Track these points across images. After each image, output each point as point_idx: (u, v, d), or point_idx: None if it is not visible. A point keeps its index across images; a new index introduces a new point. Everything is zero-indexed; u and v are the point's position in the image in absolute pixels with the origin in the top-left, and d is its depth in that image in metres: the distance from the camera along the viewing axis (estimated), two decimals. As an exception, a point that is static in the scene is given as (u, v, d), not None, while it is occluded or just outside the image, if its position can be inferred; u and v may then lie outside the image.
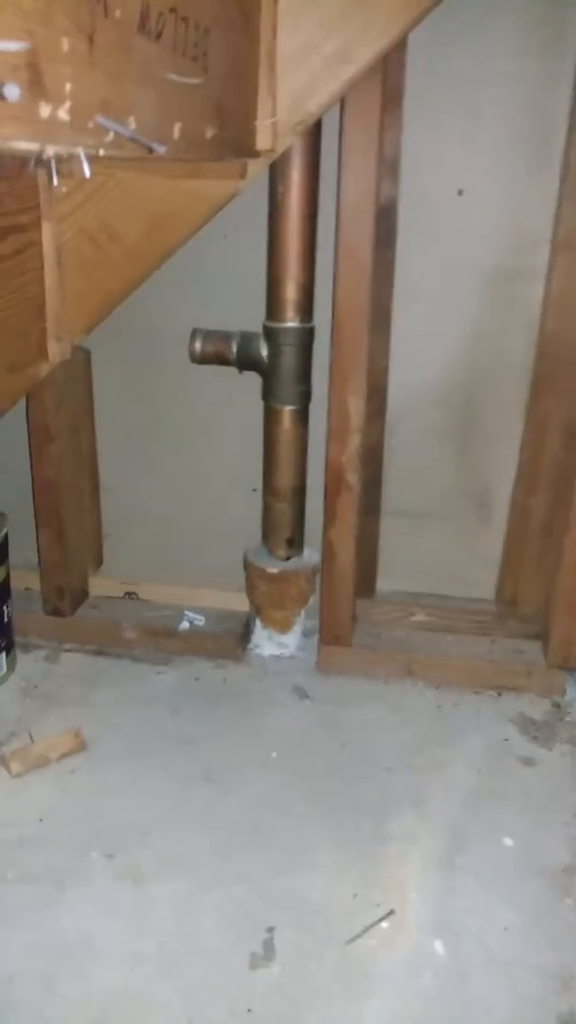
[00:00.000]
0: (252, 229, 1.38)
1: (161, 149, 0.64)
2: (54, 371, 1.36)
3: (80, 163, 0.60)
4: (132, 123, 0.65)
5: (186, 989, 0.97)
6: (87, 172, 0.61)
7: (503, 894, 1.11)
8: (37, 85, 0.48)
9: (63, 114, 0.52)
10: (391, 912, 1.08)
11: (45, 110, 0.50)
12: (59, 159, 0.87)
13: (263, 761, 1.34)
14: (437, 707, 1.48)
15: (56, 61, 0.51)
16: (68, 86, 0.52)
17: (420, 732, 1.41)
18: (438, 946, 1.04)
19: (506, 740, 1.40)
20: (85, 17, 0.55)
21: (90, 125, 0.57)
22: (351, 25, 1.12)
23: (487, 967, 1.01)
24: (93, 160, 0.60)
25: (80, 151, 0.59)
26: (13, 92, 0.43)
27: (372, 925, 1.06)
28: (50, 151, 0.53)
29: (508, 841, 1.20)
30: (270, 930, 1.05)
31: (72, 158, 0.61)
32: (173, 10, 0.71)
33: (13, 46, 0.44)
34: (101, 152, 0.60)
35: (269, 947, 1.02)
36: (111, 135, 0.60)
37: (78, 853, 1.15)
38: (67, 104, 0.52)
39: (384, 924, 1.07)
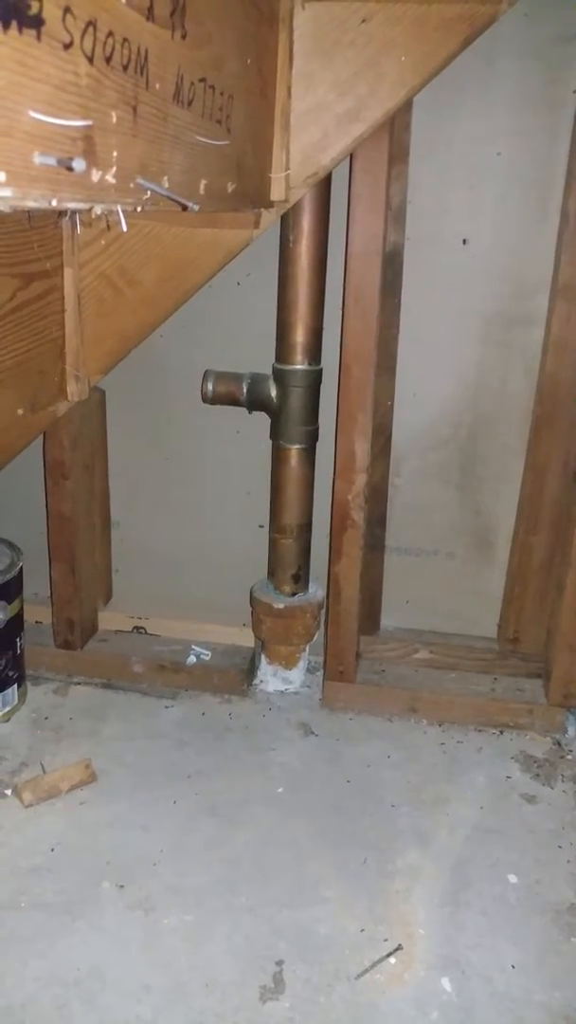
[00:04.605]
0: (263, 275, 1.43)
1: (195, 207, 0.69)
2: (71, 410, 1.40)
3: (117, 217, 0.65)
4: (165, 182, 0.69)
5: (197, 1021, 0.98)
6: (124, 227, 0.66)
7: (508, 931, 1.12)
8: (91, 154, 0.52)
9: (110, 178, 0.56)
10: (399, 947, 1.09)
11: (96, 175, 0.54)
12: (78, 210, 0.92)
13: (269, 796, 1.35)
14: (440, 744, 1.50)
15: (106, 132, 0.55)
16: (115, 153, 0.57)
17: (424, 769, 1.43)
18: (445, 983, 1.05)
19: (508, 777, 1.42)
20: (130, 90, 0.59)
21: (131, 186, 0.61)
22: (362, 87, 1.18)
23: (493, 1005, 1.02)
24: (112, 214, 0.65)
25: (118, 208, 0.64)
26: (80, 165, 0.48)
27: (380, 960, 1.07)
28: (98, 209, 0.57)
29: (512, 878, 1.21)
30: (279, 963, 1.06)
31: (109, 213, 0.65)
32: (203, 80, 0.77)
33: (78, 123, 0.48)
34: (139, 209, 0.65)
35: (279, 980, 1.03)
36: (148, 194, 0.64)
37: (89, 883, 1.16)
38: (113, 169, 0.57)
39: (392, 959, 1.07)
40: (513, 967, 1.07)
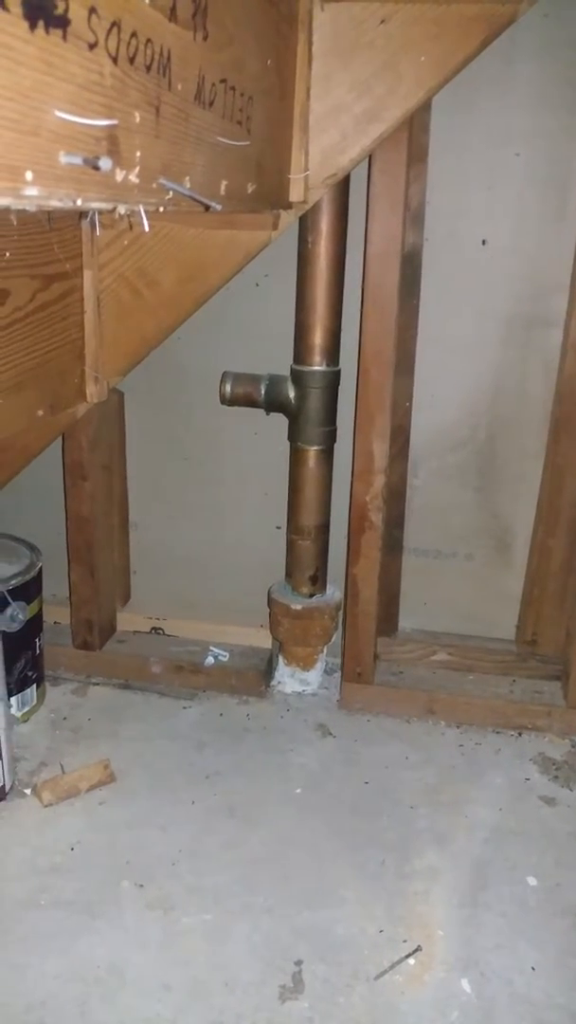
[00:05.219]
0: (281, 276, 1.44)
1: (218, 207, 0.69)
2: (89, 411, 1.41)
3: (140, 217, 0.66)
4: (187, 183, 0.70)
5: (217, 1020, 0.98)
6: (146, 227, 0.66)
7: (528, 934, 1.12)
8: (115, 154, 0.53)
9: (133, 177, 0.57)
10: (418, 948, 1.09)
11: (120, 175, 0.54)
12: (101, 211, 0.92)
13: (287, 797, 1.35)
14: (459, 746, 1.49)
15: (130, 131, 0.56)
16: (138, 153, 0.57)
17: (442, 770, 1.43)
18: (465, 984, 1.04)
19: (527, 779, 1.41)
20: (153, 91, 0.60)
21: (154, 186, 0.61)
22: (380, 87, 1.18)
23: (514, 1007, 1.02)
24: (135, 214, 0.65)
25: (141, 208, 0.64)
26: (107, 164, 0.48)
27: (399, 961, 1.07)
28: (121, 209, 0.58)
29: (532, 880, 1.20)
30: (298, 963, 1.06)
31: (132, 213, 0.66)
32: (223, 80, 0.77)
33: (103, 122, 0.49)
34: (161, 209, 0.65)
35: (298, 980, 1.03)
36: (170, 194, 0.65)
37: (109, 882, 1.16)
38: (137, 169, 0.57)
39: (411, 960, 1.07)
40: (533, 969, 1.06)
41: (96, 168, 0.48)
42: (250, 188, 0.95)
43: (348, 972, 1.05)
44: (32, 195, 0.46)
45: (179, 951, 1.07)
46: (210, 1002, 1.00)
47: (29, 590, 1.44)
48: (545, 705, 1.53)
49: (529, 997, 1.03)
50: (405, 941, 1.10)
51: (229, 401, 1.47)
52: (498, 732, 1.53)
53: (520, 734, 1.52)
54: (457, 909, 1.15)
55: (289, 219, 1.26)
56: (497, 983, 1.04)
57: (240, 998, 1.01)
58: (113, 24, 0.52)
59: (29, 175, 0.45)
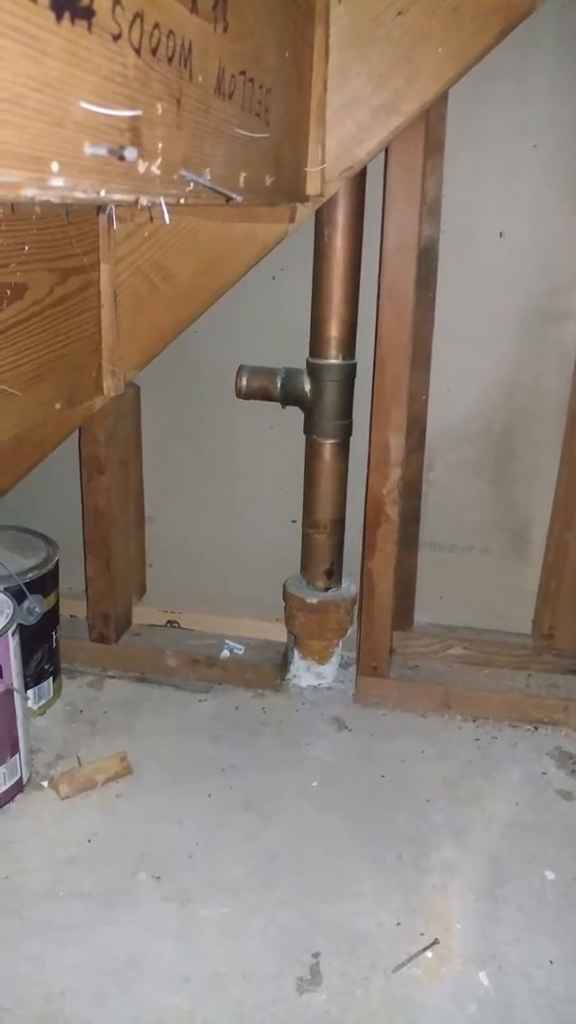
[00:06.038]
0: (298, 270, 1.43)
1: (239, 199, 0.69)
2: (106, 405, 1.41)
3: (161, 209, 0.66)
4: (207, 175, 0.70)
5: (235, 1011, 0.99)
6: (167, 219, 0.66)
7: (546, 927, 1.11)
8: (138, 145, 0.53)
9: (155, 169, 0.57)
10: (435, 942, 1.09)
11: (143, 167, 0.54)
12: (118, 204, 0.92)
13: (303, 790, 1.35)
14: (475, 740, 1.49)
15: (152, 123, 0.56)
16: (160, 144, 0.57)
17: (458, 764, 1.42)
18: (483, 977, 1.04)
19: (544, 773, 1.41)
20: (175, 82, 0.60)
21: (175, 177, 0.61)
22: (397, 80, 1.18)
23: (532, 1001, 1.01)
24: (156, 206, 0.65)
25: (162, 200, 0.64)
26: (132, 154, 0.48)
27: (417, 954, 1.07)
28: (143, 201, 0.58)
29: (550, 875, 1.20)
30: (316, 955, 1.06)
31: (152, 205, 0.66)
32: (243, 72, 0.77)
33: (127, 113, 0.49)
34: (182, 201, 0.65)
35: (315, 972, 1.03)
36: (191, 186, 0.65)
37: (126, 874, 1.17)
38: (159, 160, 0.57)
39: (428, 954, 1.07)
40: (551, 963, 1.06)
41: (121, 158, 0.48)
42: (268, 181, 0.95)
43: (366, 965, 1.05)
44: (58, 186, 0.46)
45: (196, 943, 1.07)
46: (228, 994, 1.01)
47: (46, 583, 1.45)
48: (562, 699, 1.53)
49: (548, 991, 1.03)
50: (422, 934, 1.10)
51: (245, 395, 1.47)
52: (514, 726, 1.52)
53: (536, 728, 1.52)
54: (475, 903, 1.15)
55: (306, 212, 1.26)
56: (515, 977, 1.04)
57: (258, 990, 1.01)
58: (136, 15, 0.52)
59: (55, 166, 0.45)
